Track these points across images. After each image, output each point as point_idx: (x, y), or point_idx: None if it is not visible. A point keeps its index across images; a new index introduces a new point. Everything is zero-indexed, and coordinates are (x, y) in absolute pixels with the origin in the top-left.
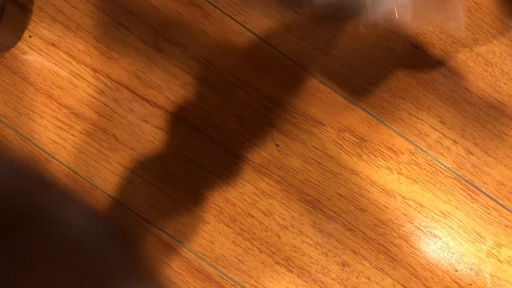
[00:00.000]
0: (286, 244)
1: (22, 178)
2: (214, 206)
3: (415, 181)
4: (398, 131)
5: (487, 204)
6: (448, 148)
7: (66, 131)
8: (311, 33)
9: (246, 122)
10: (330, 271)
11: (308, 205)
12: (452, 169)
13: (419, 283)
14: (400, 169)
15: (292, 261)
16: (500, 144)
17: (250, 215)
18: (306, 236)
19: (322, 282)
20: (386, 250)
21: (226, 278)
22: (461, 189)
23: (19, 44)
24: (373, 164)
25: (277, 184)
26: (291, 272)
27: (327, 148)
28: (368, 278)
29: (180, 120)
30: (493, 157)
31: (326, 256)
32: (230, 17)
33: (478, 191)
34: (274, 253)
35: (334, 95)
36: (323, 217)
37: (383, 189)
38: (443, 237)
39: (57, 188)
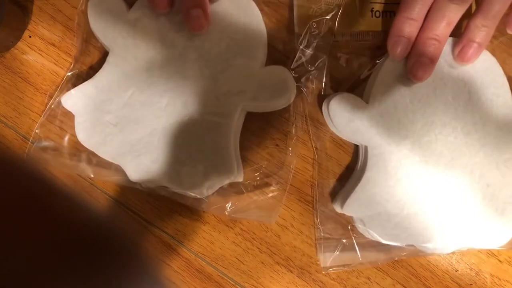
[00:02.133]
0: (286, 244)
1: (23, 177)
2: None
3: None
4: None
5: None
6: None
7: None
8: None
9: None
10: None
11: (308, 205)
12: None
13: (419, 283)
14: None
15: (292, 261)
16: None
17: None
18: (306, 236)
19: (322, 282)
20: None
21: (226, 278)
22: None
23: (19, 44)
24: None
25: (277, 184)
26: (291, 272)
27: (327, 148)
28: (368, 278)
29: None
30: None
31: None
32: None
33: None
34: (274, 253)
35: None
36: None
37: None
38: None
39: (57, 188)
